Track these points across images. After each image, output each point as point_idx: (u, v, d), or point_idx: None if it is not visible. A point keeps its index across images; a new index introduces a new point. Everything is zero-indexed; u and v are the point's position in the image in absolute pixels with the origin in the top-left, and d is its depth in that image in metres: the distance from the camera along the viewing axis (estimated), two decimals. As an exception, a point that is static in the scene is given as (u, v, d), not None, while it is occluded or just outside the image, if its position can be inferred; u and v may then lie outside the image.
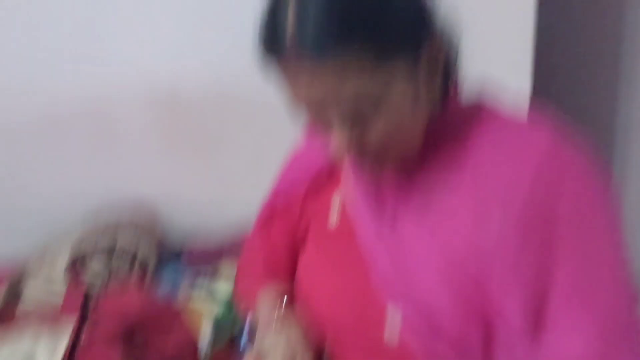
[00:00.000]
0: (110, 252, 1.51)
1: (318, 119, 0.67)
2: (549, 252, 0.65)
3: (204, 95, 1.72)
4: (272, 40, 0.63)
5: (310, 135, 0.90)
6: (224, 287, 1.53)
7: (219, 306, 1.40)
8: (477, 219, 0.68)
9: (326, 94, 0.62)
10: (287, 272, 0.92)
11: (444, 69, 0.70)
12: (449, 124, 0.73)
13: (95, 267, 1.46)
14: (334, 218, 0.83)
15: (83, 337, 0.94)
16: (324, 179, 0.86)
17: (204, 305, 1.43)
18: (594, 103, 2.20)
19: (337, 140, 0.66)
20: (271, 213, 0.93)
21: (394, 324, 0.74)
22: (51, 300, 1.05)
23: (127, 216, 1.70)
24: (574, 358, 0.65)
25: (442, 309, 0.70)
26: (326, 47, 0.59)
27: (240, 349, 1.30)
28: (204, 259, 1.67)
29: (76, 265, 1.45)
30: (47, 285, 1.11)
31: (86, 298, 1.03)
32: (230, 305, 1.43)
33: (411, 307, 0.72)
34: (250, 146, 1.79)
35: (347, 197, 0.81)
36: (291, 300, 0.88)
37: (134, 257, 1.52)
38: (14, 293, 1.11)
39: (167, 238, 1.78)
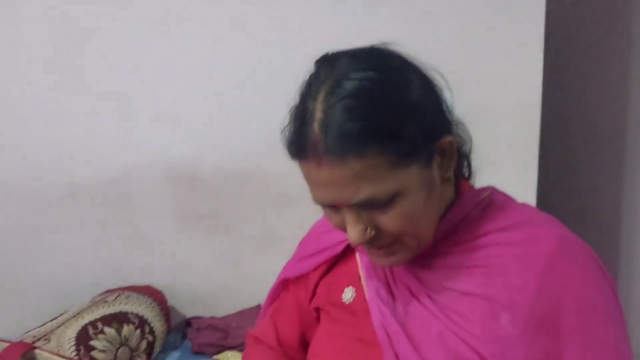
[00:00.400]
0: (121, 319, 1.51)
1: (334, 213, 0.71)
2: (555, 350, 0.68)
3: (221, 175, 1.77)
4: (296, 143, 0.67)
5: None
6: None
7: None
8: (486, 313, 0.70)
9: (342, 195, 0.66)
10: (298, 352, 0.92)
11: (457, 160, 0.75)
12: (462, 210, 0.76)
13: (107, 333, 1.46)
14: (348, 295, 0.84)
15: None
16: (339, 255, 0.88)
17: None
18: (597, 204, 2.25)
19: (352, 234, 0.68)
20: (285, 281, 0.95)
21: None
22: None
23: (138, 287, 1.71)
24: None
25: None
26: (348, 150, 0.63)
27: None
28: (209, 341, 1.67)
29: (87, 334, 1.45)
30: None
31: None
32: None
33: None
34: (262, 228, 1.82)
35: (362, 277, 0.83)
36: None
37: (144, 326, 1.52)
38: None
39: (176, 309, 1.78)
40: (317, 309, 0.88)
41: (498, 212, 0.76)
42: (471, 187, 0.79)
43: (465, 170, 0.79)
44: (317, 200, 0.70)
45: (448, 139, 0.70)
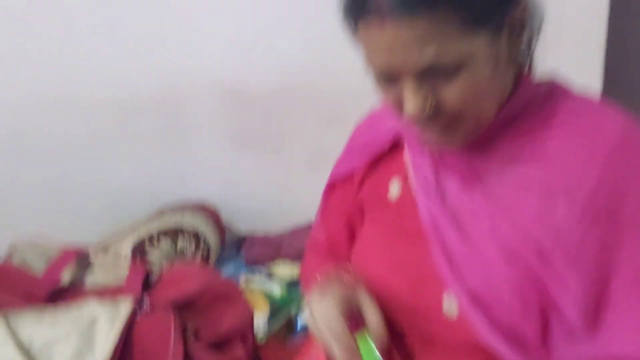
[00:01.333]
0: (176, 233, 1.55)
1: (391, 86, 0.66)
2: (610, 248, 0.63)
3: (269, 87, 1.75)
4: (355, 4, 0.63)
5: (374, 109, 0.90)
6: (283, 269, 1.55)
7: (278, 287, 1.42)
8: (542, 204, 0.66)
9: (406, 59, 0.61)
10: (347, 249, 0.91)
11: (527, 37, 0.69)
12: (522, 100, 0.71)
13: (163, 246, 1.51)
14: (394, 191, 0.81)
15: (144, 304, 0.97)
16: (386, 151, 0.84)
17: (264, 286, 1.45)
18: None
19: (412, 106, 0.64)
20: (333, 181, 0.92)
21: (451, 304, 0.72)
22: (115, 282, 1.09)
23: (192, 203, 1.74)
24: (630, 357, 0.62)
25: (499, 300, 0.67)
26: (415, 7, 0.58)
27: (298, 329, 1.31)
28: (263, 252, 1.69)
29: (143, 247, 1.50)
30: (111, 269, 1.15)
31: (149, 274, 1.06)
32: (289, 286, 1.45)
33: (467, 296, 0.68)
34: (312, 140, 1.80)
35: (409, 170, 0.79)
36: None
37: (199, 239, 1.56)
38: (80, 277, 1.15)
39: (230, 226, 1.81)
40: (362, 206, 0.85)
41: (559, 104, 0.70)
42: (531, 78, 0.73)
43: (527, 59, 0.73)
44: (376, 68, 0.65)
45: (520, 9, 0.64)
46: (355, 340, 0.69)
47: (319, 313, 0.71)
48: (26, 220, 1.67)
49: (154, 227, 1.56)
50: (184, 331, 0.93)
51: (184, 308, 0.98)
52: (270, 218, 1.84)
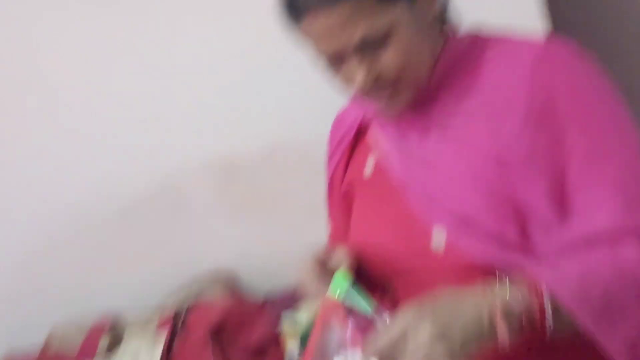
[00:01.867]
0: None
1: (340, 68, 0.79)
2: (556, 143, 0.74)
3: (258, 156, 1.88)
4: (291, 8, 0.76)
5: (337, 114, 1.03)
6: (305, 314, 1.62)
7: (304, 315, 1.50)
8: (490, 123, 0.77)
9: (342, 39, 0.73)
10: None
11: (440, 7, 0.83)
12: (451, 54, 0.83)
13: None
14: (368, 169, 0.92)
15: (176, 340, 1.05)
16: (354, 140, 0.96)
17: (291, 328, 1.51)
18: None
19: (358, 78, 0.76)
20: (329, 185, 1.03)
21: (439, 236, 0.80)
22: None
23: (207, 278, 1.82)
24: (603, 234, 0.71)
25: (478, 212, 0.77)
26: None
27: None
28: (285, 303, 1.76)
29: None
30: (143, 328, 1.23)
31: (176, 315, 1.14)
32: (312, 324, 1.51)
33: (452, 219, 0.78)
34: (306, 192, 1.91)
35: (376, 148, 0.91)
36: None
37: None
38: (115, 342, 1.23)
39: (251, 289, 1.87)
40: (347, 194, 0.97)
41: (484, 48, 0.83)
42: (455, 35, 0.86)
43: (448, 19, 0.86)
44: (323, 54, 0.78)
45: None
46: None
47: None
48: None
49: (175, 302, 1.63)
50: (219, 348, 1.00)
51: (214, 338, 1.06)
52: (281, 274, 1.91)
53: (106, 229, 1.86)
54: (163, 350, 0.98)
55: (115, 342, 1.14)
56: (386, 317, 0.77)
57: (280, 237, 1.92)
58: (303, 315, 1.61)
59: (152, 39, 1.82)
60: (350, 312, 0.79)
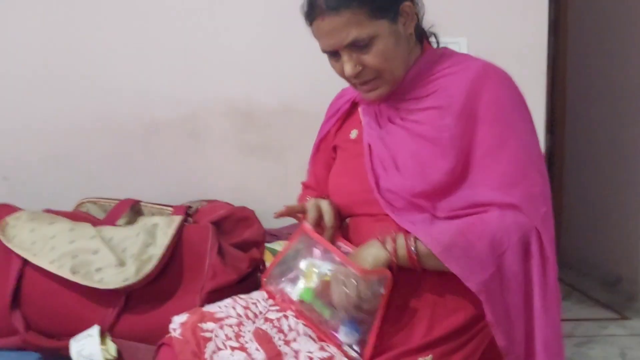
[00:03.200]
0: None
1: (337, 60, 1.11)
2: (471, 133, 1.08)
3: (271, 108, 2.19)
4: (310, 8, 1.08)
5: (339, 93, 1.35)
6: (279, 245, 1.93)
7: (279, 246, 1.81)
8: (437, 118, 1.09)
9: (339, 39, 1.05)
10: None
11: (416, 27, 1.16)
12: (425, 60, 1.17)
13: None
14: (353, 134, 1.24)
15: (190, 220, 1.37)
16: (347, 112, 1.27)
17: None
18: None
19: (346, 68, 1.08)
20: (317, 144, 1.37)
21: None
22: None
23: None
24: (480, 204, 1.04)
25: (403, 185, 1.09)
26: (340, 5, 1.03)
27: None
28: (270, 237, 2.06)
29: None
30: (159, 213, 1.53)
31: (189, 207, 1.46)
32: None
33: (384, 185, 1.11)
34: (306, 151, 2.20)
35: (362, 119, 1.22)
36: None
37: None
38: (133, 221, 1.53)
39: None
40: (335, 148, 1.30)
41: (447, 59, 1.17)
42: (432, 47, 1.21)
43: (425, 37, 1.21)
44: (325, 48, 1.11)
45: (407, 3, 1.10)
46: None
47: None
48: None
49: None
50: (217, 236, 1.32)
51: (218, 225, 1.38)
52: (271, 215, 2.22)
53: (134, 140, 2.16)
54: (177, 227, 1.29)
55: (135, 217, 1.45)
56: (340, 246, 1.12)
57: (281, 182, 2.22)
58: (278, 246, 1.93)
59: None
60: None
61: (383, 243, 1.05)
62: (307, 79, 2.15)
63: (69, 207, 1.69)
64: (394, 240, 1.04)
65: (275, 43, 2.15)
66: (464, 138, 1.07)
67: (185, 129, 2.19)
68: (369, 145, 1.16)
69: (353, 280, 1.00)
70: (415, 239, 1.03)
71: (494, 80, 1.10)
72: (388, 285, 1.02)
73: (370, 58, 1.08)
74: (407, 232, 1.05)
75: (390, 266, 1.03)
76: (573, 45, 3.19)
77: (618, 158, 2.83)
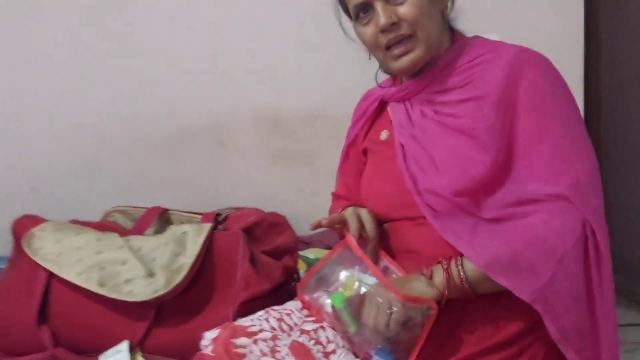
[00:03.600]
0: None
1: (370, 18, 1.05)
2: (512, 124, 1.01)
3: (299, 114, 2.14)
4: None
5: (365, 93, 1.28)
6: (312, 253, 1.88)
7: (312, 254, 1.76)
8: (474, 108, 1.04)
9: None
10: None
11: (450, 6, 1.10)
12: (456, 47, 1.11)
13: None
14: (384, 135, 1.17)
15: (220, 228, 1.31)
16: (376, 113, 1.21)
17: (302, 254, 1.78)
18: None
19: (381, 19, 1.01)
20: (346, 151, 1.30)
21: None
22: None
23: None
24: (531, 198, 0.97)
25: (443, 187, 1.01)
26: None
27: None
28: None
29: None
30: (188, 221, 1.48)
31: (218, 214, 1.41)
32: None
33: (425, 187, 1.04)
34: (333, 157, 2.15)
35: (392, 118, 1.16)
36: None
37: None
38: (162, 231, 1.48)
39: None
40: (365, 152, 1.23)
41: (480, 47, 1.10)
42: (463, 36, 1.14)
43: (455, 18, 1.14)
44: (358, 5, 1.05)
45: None
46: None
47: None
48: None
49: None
50: (249, 243, 1.27)
51: (249, 232, 1.33)
52: (301, 222, 2.17)
53: (161, 150, 2.13)
54: (207, 235, 1.24)
55: (164, 226, 1.41)
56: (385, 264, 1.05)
57: (310, 189, 2.18)
58: (311, 253, 1.88)
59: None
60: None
61: (430, 278, 0.97)
62: (335, 83, 2.12)
63: (97, 219, 1.66)
64: (447, 270, 0.96)
65: (302, 48, 2.12)
66: (504, 129, 1.00)
67: (213, 138, 2.16)
68: (402, 145, 1.09)
69: (391, 304, 0.92)
70: (462, 263, 0.96)
71: (532, 66, 1.02)
72: (432, 316, 0.94)
73: (406, 9, 1.02)
74: (453, 256, 0.98)
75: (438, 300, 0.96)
76: (606, 46, 3.09)
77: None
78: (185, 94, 2.11)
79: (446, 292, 0.94)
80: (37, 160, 2.07)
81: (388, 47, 1.06)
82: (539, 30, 2.08)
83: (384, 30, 1.04)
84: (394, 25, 1.03)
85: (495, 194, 0.99)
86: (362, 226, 1.09)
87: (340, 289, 1.03)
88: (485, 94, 1.02)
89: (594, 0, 3.05)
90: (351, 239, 1.05)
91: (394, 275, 1.06)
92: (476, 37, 1.13)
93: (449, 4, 1.09)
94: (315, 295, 1.09)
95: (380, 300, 0.93)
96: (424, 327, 0.94)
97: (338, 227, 1.13)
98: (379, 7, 1.03)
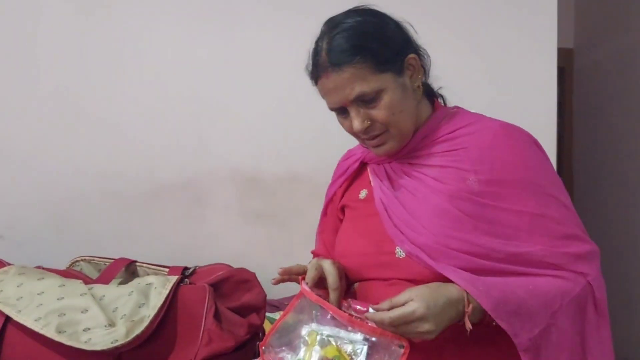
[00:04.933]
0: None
1: (345, 117, 1.08)
2: (504, 193, 1.03)
3: (278, 175, 2.16)
4: (313, 68, 1.07)
5: (347, 152, 1.31)
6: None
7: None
8: (458, 178, 1.05)
9: (344, 95, 1.03)
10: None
11: (425, 84, 1.13)
12: (436, 118, 1.14)
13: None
14: (362, 194, 1.18)
15: (186, 281, 1.29)
16: (356, 171, 1.23)
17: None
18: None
19: (355, 123, 1.04)
20: (325, 208, 1.31)
21: (400, 251, 1.07)
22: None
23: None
24: (532, 255, 0.99)
25: (428, 245, 1.02)
26: (343, 61, 1.01)
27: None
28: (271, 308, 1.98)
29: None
30: (155, 274, 1.46)
31: (185, 269, 1.39)
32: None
33: (408, 246, 1.04)
34: (311, 218, 2.16)
35: (371, 179, 1.17)
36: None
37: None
38: (127, 281, 1.46)
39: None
40: (342, 209, 1.24)
41: (462, 118, 1.13)
42: (442, 105, 1.18)
43: (438, 93, 1.19)
44: (331, 105, 1.08)
45: (412, 56, 1.09)
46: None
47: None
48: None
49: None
50: (215, 298, 1.25)
51: (216, 287, 1.31)
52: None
53: (134, 203, 2.12)
54: (172, 287, 1.22)
55: (130, 278, 1.38)
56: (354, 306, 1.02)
57: (286, 251, 2.17)
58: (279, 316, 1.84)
59: (210, 45, 2.12)
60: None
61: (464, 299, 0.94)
62: (315, 146, 2.15)
63: (63, 268, 1.63)
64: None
65: (283, 110, 2.16)
66: (493, 201, 1.03)
67: (188, 194, 2.16)
68: (382, 203, 1.10)
69: (362, 346, 0.91)
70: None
71: (517, 142, 1.07)
72: (405, 353, 0.93)
73: (377, 112, 1.05)
74: None
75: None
76: (578, 125, 3.22)
77: (626, 230, 2.77)
78: (162, 147, 2.12)
79: (470, 306, 0.93)
80: (5, 207, 2.04)
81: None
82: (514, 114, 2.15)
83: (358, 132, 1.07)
84: (368, 127, 1.06)
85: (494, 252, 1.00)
86: (322, 278, 1.07)
87: (302, 347, 1.01)
88: (470, 167, 1.04)
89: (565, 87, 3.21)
90: (304, 285, 1.04)
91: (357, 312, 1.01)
92: (456, 107, 1.17)
93: (423, 78, 1.12)
94: (279, 355, 1.06)
95: (350, 345, 0.93)
96: None
97: (297, 279, 1.12)
98: (352, 112, 1.06)
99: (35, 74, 2.05)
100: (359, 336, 0.96)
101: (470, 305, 0.92)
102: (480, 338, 0.96)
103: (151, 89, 2.12)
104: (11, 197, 2.04)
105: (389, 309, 0.92)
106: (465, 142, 1.07)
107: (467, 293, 0.93)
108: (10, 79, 2.04)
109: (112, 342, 1.13)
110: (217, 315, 1.22)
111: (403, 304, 0.91)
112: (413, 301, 0.91)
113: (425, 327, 0.90)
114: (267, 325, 1.64)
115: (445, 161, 1.07)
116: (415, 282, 1.01)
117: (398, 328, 0.91)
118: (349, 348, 0.99)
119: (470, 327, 0.92)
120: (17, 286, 1.22)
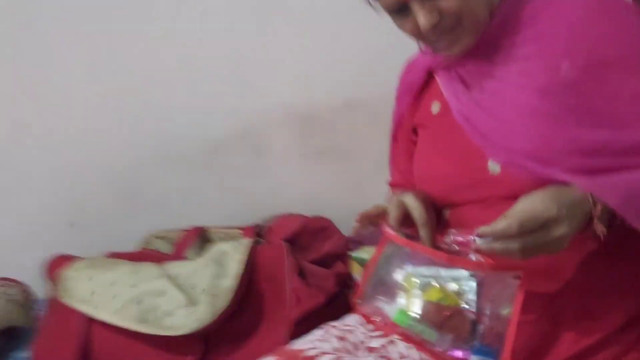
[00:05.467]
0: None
1: (407, 17, 0.89)
2: (605, 77, 0.84)
3: (334, 107, 2.02)
4: None
5: (408, 60, 1.13)
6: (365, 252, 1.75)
7: (366, 254, 1.62)
8: (548, 68, 0.87)
9: None
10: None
11: None
12: (509, 7, 0.93)
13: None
14: (435, 108, 1.03)
15: (261, 241, 1.20)
16: (424, 83, 1.06)
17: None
18: None
19: (421, 20, 0.85)
20: (394, 132, 1.16)
21: (494, 165, 0.90)
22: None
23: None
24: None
25: (526, 149, 0.86)
26: None
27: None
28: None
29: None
30: (228, 238, 1.38)
31: (257, 226, 1.29)
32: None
33: (503, 155, 0.88)
34: (375, 148, 2.02)
35: (442, 89, 1.01)
36: None
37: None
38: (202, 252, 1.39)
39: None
40: (414, 129, 1.08)
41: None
42: None
43: None
44: (392, 5, 0.90)
45: None
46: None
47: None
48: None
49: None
50: (294, 254, 1.15)
51: (293, 242, 1.21)
52: (348, 222, 2.04)
53: (195, 166, 2.04)
54: (248, 252, 1.12)
55: (205, 246, 1.30)
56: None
57: (356, 185, 2.05)
58: (364, 253, 1.74)
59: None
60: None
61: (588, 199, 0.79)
62: (370, 70, 1.95)
63: (137, 246, 1.59)
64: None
65: (331, 37, 1.96)
66: (600, 88, 0.84)
67: (246, 145, 2.05)
68: (465, 116, 0.93)
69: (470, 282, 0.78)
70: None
71: (615, 12, 0.87)
72: (522, 286, 0.79)
73: (446, 1, 0.86)
74: None
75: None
76: None
77: None
78: (210, 102, 2.00)
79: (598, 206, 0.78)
80: (73, 194, 2.02)
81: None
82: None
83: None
84: (436, 23, 0.88)
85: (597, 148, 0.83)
86: (406, 214, 0.93)
87: (401, 293, 0.89)
88: (565, 51, 0.86)
89: None
90: (388, 229, 0.91)
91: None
92: None
93: None
94: (377, 304, 0.95)
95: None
96: (513, 303, 0.79)
97: (379, 222, 0.99)
98: (415, 6, 0.87)
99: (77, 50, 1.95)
100: (463, 272, 0.83)
101: (598, 205, 0.77)
102: (604, 287, 0.83)
103: (188, 42, 1.98)
104: (76, 183, 2.01)
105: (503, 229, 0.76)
106: (552, 24, 0.88)
107: (590, 194, 0.77)
108: (62, 60, 1.95)
109: (197, 322, 1.06)
110: (300, 272, 1.13)
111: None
112: (537, 203, 0.76)
113: (561, 230, 0.75)
114: (354, 267, 1.54)
115: (531, 50, 0.88)
116: (516, 199, 0.85)
117: (526, 239, 0.75)
118: (454, 287, 0.86)
119: (604, 230, 0.77)
120: (89, 280, 1.16)
